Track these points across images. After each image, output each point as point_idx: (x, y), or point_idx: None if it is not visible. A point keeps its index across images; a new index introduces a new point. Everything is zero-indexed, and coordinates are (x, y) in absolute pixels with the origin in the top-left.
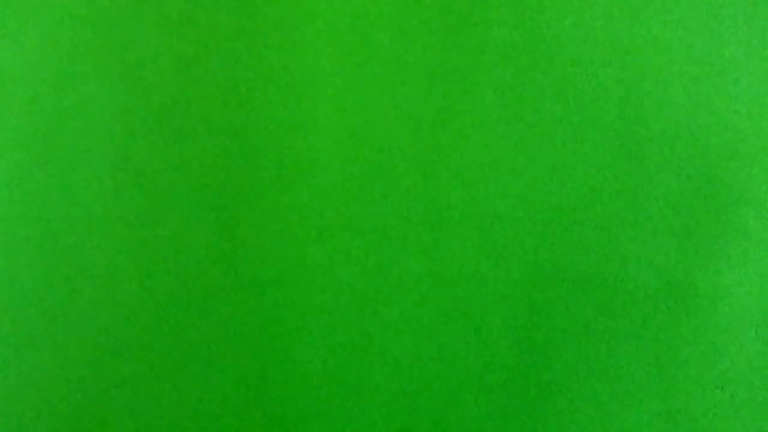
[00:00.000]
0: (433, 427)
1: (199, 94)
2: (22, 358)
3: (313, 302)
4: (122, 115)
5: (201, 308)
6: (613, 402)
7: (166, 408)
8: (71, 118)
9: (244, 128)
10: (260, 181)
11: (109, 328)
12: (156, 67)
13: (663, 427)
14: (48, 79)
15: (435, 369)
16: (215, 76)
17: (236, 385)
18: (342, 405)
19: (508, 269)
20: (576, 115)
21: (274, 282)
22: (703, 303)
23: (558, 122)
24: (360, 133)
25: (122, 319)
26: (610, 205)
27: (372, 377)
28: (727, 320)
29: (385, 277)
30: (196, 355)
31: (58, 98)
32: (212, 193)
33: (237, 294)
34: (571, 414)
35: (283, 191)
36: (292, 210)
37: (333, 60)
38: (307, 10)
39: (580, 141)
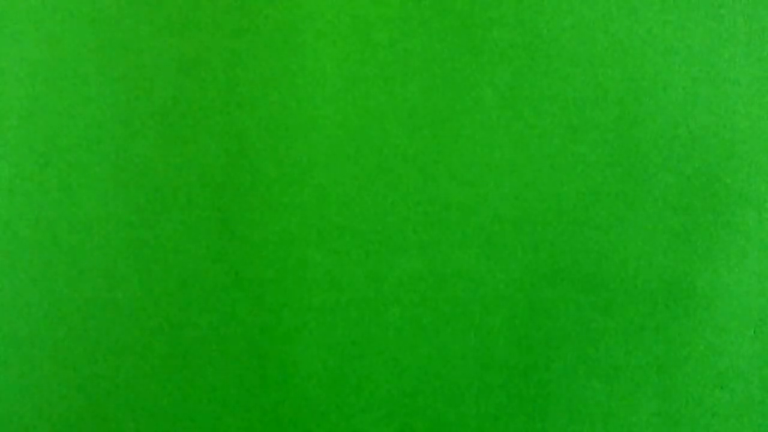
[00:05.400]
0: (433, 427)
1: (200, 94)
2: (22, 358)
3: (313, 302)
4: (122, 115)
5: (201, 308)
6: (613, 402)
7: (166, 408)
8: (71, 118)
9: (244, 128)
10: (260, 181)
11: (109, 328)
12: (156, 67)
13: (663, 427)
14: (48, 79)
15: (435, 369)
16: (215, 76)
17: (236, 385)
18: (342, 405)
19: (508, 269)
20: (575, 115)
21: (274, 282)
22: (702, 303)
23: (558, 122)
24: (360, 132)
25: (122, 319)
26: (610, 205)
27: (372, 377)
28: (726, 320)
29: (385, 277)
30: (196, 355)
31: (59, 98)
32: (212, 194)
33: (237, 294)
34: (571, 414)
35: (283, 191)
36: (292, 210)
37: (333, 60)
38: (308, 10)
39: (580, 141)
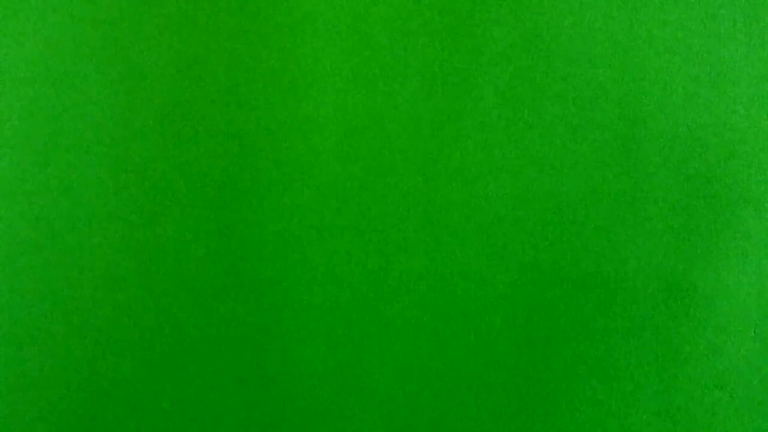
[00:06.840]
0: (433, 427)
1: (200, 95)
2: (22, 358)
3: (313, 302)
4: (122, 115)
5: (201, 308)
6: (613, 402)
7: (166, 408)
8: (71, 118)
9: (244, 128)
10: (260, 181)
11: (109, 328)
12: (156, 67)
13: (663, 427)
14: (48, 79)
15: (435, 369)
16: (215, 77)
17: (236, 385)
18: (342, 405)
19: (508, 269)
20: (576, 115)
21: (274, 282)
22: (702, 303)
23: (558, 122)
24: (360, 133)
25: (122, 319)
26: (610, 205)
27: (372, 377)
28: (726, 320)
29: (385, 277)
30: (196, 355)
31: (58, 98)
32: (212, 193)
33: (237, 294)
34: (571, 414)
35: (283, 191)
36: (292, 210)
37: (333, 60)
38: (308, 10)
39: (580, 141)
